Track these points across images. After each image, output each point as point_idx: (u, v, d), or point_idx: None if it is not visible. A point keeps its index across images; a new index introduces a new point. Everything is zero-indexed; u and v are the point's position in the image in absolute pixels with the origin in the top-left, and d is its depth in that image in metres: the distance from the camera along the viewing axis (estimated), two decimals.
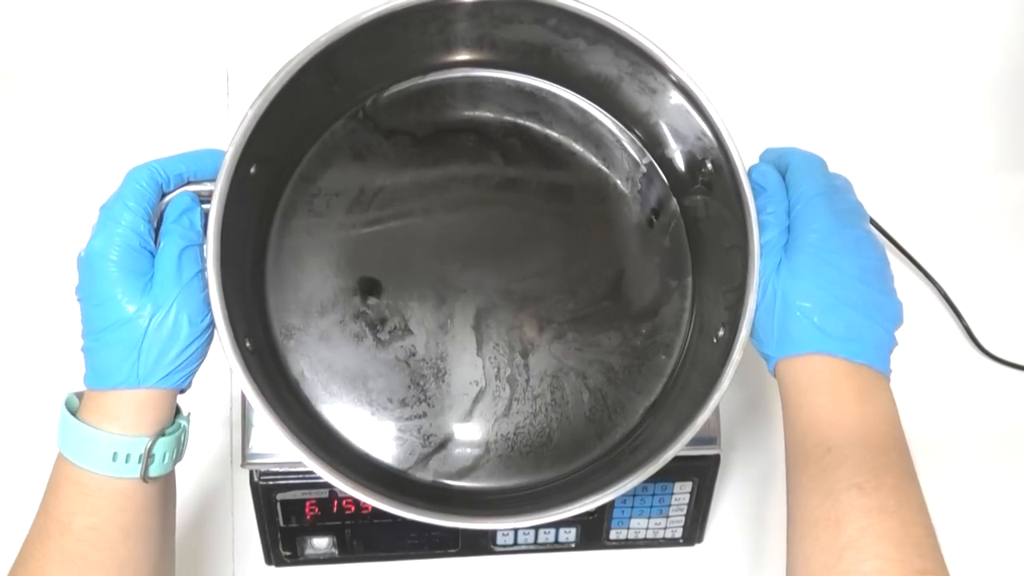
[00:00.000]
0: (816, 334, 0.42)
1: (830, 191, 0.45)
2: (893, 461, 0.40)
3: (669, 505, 0.61)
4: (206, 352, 0.43)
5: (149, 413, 0.41)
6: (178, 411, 0.44)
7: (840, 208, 0.44)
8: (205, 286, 0.41)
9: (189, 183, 0.43)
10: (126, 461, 0.40)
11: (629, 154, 0.53)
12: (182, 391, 0.43)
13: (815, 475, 0.40)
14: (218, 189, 0.42)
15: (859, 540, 0.37)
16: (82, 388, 0.42)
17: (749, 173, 0.45)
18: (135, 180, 0.41)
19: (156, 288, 0.40)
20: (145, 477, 0.41)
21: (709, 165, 0.48)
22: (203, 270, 0.42)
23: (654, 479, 0.44)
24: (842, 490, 0.39)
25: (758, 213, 0.45)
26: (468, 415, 0.50)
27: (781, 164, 0.46)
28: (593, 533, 0.61)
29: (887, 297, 0.43)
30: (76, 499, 0.40)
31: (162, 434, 0.41)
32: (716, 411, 0.54)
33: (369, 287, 0.50)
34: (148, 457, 0.41)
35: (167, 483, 0.44)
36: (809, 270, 0.43)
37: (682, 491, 0.60)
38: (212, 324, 0.42)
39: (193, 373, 0.43)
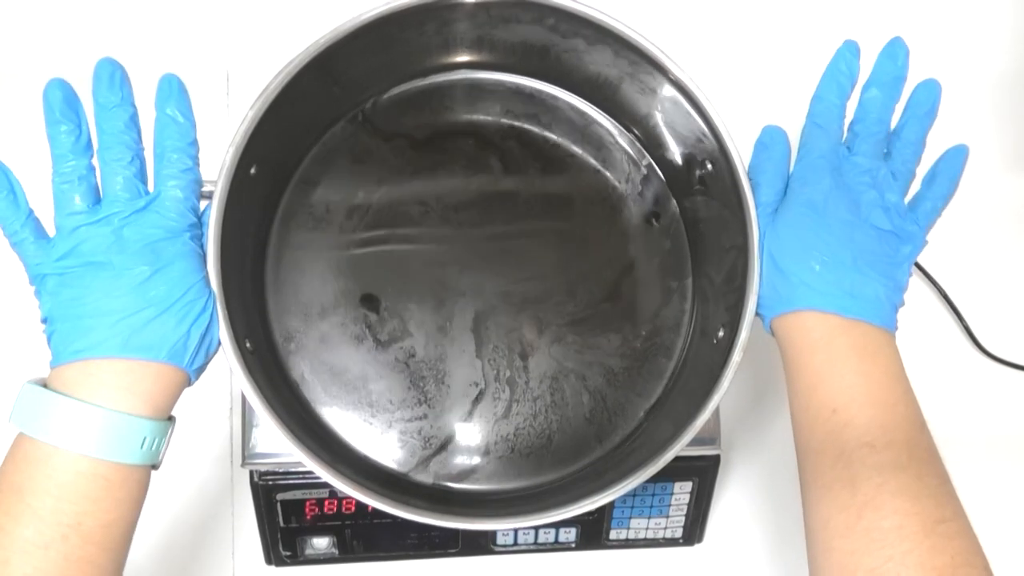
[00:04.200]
0: (805, 290, 0.42)
1: (838, 154, 0.44)
2: (901, 415, 0.40)
3: (669, 505, 0.61)
4: None
5: (174, 395, 0.40)
6: None
7: (845, 169, 0.44)
8: None
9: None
10: (151, 447, 0.38)
11: (629, 155, 0.53)
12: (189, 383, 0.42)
13: (824, 437, 0.40)
14: (218, 190, 0.42)
15: (876, 498, 0.38)
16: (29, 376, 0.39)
17: (761, 133, 0.45)
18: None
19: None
20: (158, 464, 0.40)
21: (709, 166, 0.48)
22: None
23: (654, 479, 0.44)
24: (853, 449, 0.39)
25: (754, 172, 0.45)
26: (468, 417, 0.50)
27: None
28: (593, 533, 0.61)
29: (887, 255, 0.43)
30: (93, 496, 0.37)
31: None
32: (716, 412, 0.54)
33: (368, 290, 0.50)
34: (168, 442, 0.40)
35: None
36: (796, 226, 0.43)
37: (682, 491, 0.60)
38: None
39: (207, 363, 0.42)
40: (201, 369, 0.41)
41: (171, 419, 0.41)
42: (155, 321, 0.38)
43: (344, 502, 0.58)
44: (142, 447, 0.38)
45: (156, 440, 0.39)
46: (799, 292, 0.42)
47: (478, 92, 0.53)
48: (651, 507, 0.61)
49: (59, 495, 0.36)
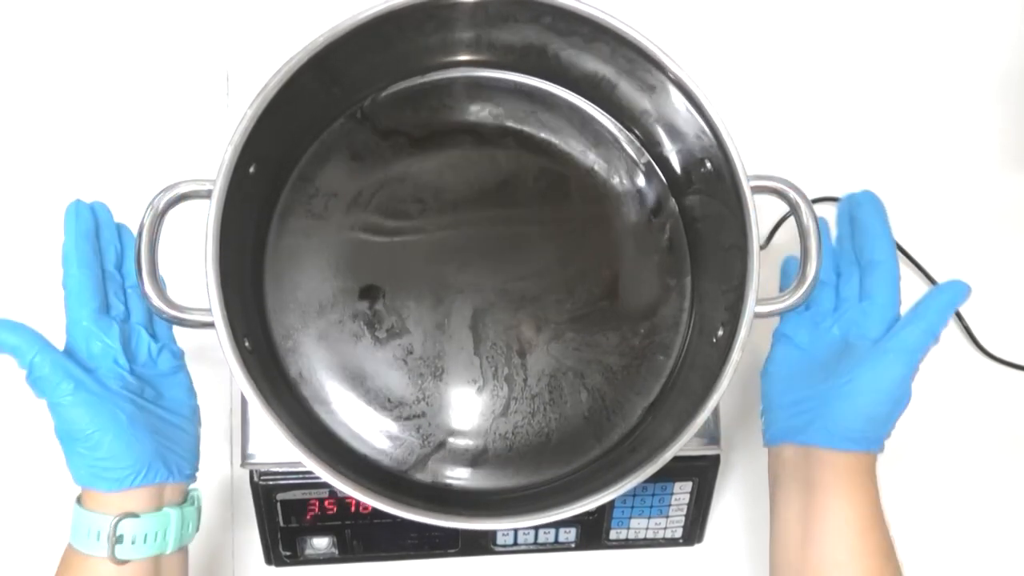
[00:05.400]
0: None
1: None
2: (872, 543, 0.45)
3: (669, 505, 0.61)
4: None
5: (140, 497, 0.42)
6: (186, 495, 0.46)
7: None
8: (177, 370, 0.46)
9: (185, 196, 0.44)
10: (104, 540, 0.41)
11: (627, 153, 0.53)
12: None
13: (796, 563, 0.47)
14: (217, 189, 0.42)
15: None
16: None
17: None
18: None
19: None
20: (113, 558, 0.41)
21: (708, 164, 0.48)
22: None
23: (654, 479, 0.44)
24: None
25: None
26: (466, 414, 0.50)
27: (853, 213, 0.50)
28: (593, 533, 0.61)
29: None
30: (62, 572, 0.42)
31: (135, 515, 0.41)
32: (716, 411, 0.54)
33: (367, 287, 0.50)
34: (114, 537, 0.41)
35: (161, 569, 0.44)
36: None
37: (682, 491, 0.60)
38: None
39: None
40: (184, 475, 0.45)
41: (136, 516, 0.42)
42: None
43: (344, 502, 0.58)
44: (96, 539, 0.41)
45: (109, 534, 0.41)
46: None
47: (476, 90, 0.53)
48: (651, 507, 0.61)
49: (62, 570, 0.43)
